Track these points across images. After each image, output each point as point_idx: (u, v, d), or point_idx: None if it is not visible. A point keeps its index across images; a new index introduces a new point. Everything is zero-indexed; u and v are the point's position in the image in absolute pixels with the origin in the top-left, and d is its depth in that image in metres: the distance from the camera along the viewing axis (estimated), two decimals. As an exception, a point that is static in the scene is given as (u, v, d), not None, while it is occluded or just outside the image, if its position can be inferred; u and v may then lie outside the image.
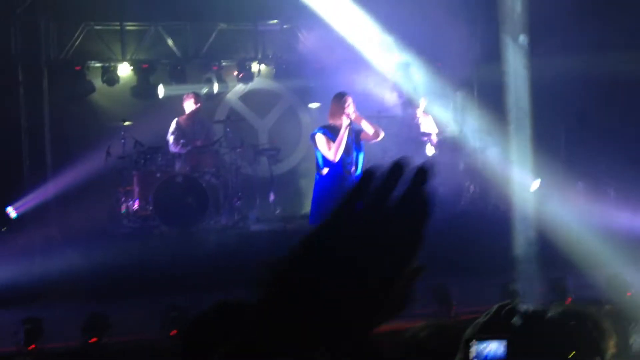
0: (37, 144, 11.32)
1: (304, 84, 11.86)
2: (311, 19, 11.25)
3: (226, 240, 9.35)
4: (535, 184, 11.75)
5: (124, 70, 11.99)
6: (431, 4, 10.43)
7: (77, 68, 11.70)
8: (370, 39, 11.28)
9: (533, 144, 11.49)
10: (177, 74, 12.06)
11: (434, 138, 11.10)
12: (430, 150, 10.94)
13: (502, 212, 10.80)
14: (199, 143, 10.26)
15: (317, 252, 1.12)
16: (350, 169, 7.07)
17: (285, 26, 12.00)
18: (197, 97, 10.78)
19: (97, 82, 11.86)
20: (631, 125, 11.47)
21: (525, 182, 11.57)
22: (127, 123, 10.46)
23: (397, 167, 1.14)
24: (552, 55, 10.85)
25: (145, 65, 11.95)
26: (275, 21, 12.11)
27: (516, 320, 1.75)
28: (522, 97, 11.14)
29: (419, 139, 10.95)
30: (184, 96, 10.83)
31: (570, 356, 1.79)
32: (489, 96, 12.43)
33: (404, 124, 11.28)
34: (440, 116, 11.78)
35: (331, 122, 7.33)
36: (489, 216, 10.41)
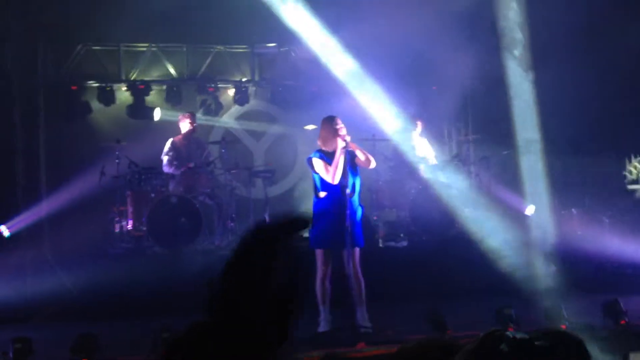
0: (31, 163, 11.29)
1: (300, 107, 11.89)
2: (307, 43, 11.31)
3: (219, 262, 9.24)
4: (530, 209, 11.77)
5: (120, 91, 12.01)
6: (426, 27, 10.50)
7: (73, 88, 11.73)
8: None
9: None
10: (173, 95, 12.09)
11: (429, 162, 11.11)
12: (424, 174, 10.93)
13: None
14: (191, 165, 10.23)
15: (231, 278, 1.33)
16: (348, 192, 7.06)
17: (281, 49, 12.05)
18: (193, 118, 10.79)
19: (93, 102, 11.88)
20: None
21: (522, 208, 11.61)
22: (121, 143, 10.45)
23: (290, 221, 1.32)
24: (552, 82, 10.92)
25: (141, 86, 11.98)
26: (272, 44, 12.16)
27: (503, 347, 1.73)
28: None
29: (414, 162, 10.96)
30: (180, 116, 10.84)
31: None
32: (485, 120, 12.48)
33: (398, 148, 11.29)
34: (434, 140, 11.82)
35: (323, 147, 7.27)
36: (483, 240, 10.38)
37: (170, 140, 10.59)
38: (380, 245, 10.23)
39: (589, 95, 10.95)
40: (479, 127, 12.75)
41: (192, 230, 9.66)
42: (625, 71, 11.05)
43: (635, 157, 11.47)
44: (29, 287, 8.33)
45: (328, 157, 7.16)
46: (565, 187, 12.10)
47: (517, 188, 11.70)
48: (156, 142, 10.77)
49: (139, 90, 11.94)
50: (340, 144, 7.10)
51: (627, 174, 11.50)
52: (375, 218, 10.72)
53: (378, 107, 11.43)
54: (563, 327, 6.96)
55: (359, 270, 7.20)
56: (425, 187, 10.51)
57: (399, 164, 10.92)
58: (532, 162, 11.90)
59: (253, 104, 12.72)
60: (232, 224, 10.37)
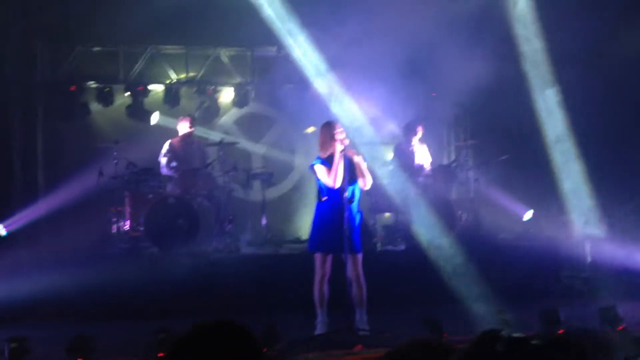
0: (29, 163, 11.28)
1: (299, 110, 11.87)
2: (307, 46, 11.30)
3: (217, 263, 9.30)
4: (528, 214, 11.78)
5: (119, 92, 11.99)
6: (427, 32, 10.49)
7: (72, 89, 11.71)
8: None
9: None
10: (172, 97, 12.07)
11: (428, 166, 11.11)
12: (423, 179, 10.94)
13: (494, 240, 10.82)
14: (188, 169, 10.24)
15: None
16: (346, 196, 7.07)
17: (281, 52, 12.03)
18: (192, 120, 10.78)
19: (92, 103, 11.86)
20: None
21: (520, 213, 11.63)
22: (119, 143, 10.44)
23: None
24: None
25: (140, 87, 11.95)
26: (272, 47, 12.14)
27: (500, 347, 1.72)
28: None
29: (413, 167, 10.96)
30: (179, 118, 10.84)
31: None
32: (484, 125, 12.48)
33: (398, 152, 11.30)
34: (434, 145, 11.83)
35: (322, 154, 7.28)
36: (481, 245, 10.38)
37: (169, 142, 10.60)
38: (379, 249, 10.22)
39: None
40: (478, 133, 12.76)
41: (190, 232, 9.64)
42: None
43: None
44: (25, 287, 8.30)
45: (328, 162, 7.20)
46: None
47: (516, 193, 11.70)
48: (154, 143, 10.77)
49: (138, 91, 11.92)
50: (339, 147, 7.12)
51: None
52: (372, 223, 10.71)
53: (378, 111, 11.43)
54: (560, 332, 6.96)
55: (361, 275, 7.22)
56: (423, 192, 10.51)
57: (398, 169, 10.91)
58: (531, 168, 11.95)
59: (252, 106, 12.70)
60: (229, 226, 10.36)
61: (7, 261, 9.05)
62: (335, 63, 10.99)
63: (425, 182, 10.85)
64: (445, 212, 10.31)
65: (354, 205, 7.19)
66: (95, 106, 11.88)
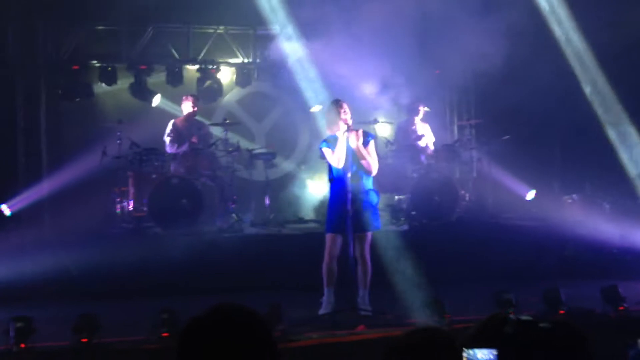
0: (33, 143, 11.27)
1: (302, 89, 11.81)
2: (310, 25, 11.22)
3: (220, 243, 9.33)
4: (531, 194, 11.79)
5: (122, 71, 11.95)
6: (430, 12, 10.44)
7: (75, 68, 11.67)
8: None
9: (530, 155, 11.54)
10: (175, 76, 12.03)
11: (431, 146, 11.11)
12: (426, 158, 10.94)
13: (496, 220, 10.84)
14: (194, 140, 10.25)
15: None
16: (348, 177, 7.08)
17: (284, 31, 11.95)
18: (195, 100, 10.77)
19: (95, 83, 11.82)
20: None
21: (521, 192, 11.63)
22: (122, 123, 10.43)
23: None
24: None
25: (143, 67, 11.91)
26: (274, 26, 12.07)
27: (507, 329, 1.74)
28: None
29: (416, 146, 10.95)
30: (183, 98, 10.82)
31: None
32: (486, 103, 12.44)
33: (401, 131, 11.29)
34: (437, 124, 11.81)
35: (329, 132, 7.33)
36: (484, 225, 10.40)
37: (172, 121, 10.60)
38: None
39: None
40: (481, 112, 12.73)
41: (193, 212, 9.66)
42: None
43: None
44: (29, 266, 8.34)
45: (332, 143, 7.23)
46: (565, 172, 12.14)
47: (518, 173, 11.69)
48: (158, 123, 10.77)
49: (141, 70, 11.88)
50: (342, 127, 7.14)
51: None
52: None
53: (380, 90, 11.38)
54: (561, 312, 6.99)
55: (367, 254, 7.24)
56: (426, 172, 10.51)
57: (401, 148, 10.91)
58: (532, 148, 11.94)
59: (255, 85, 12.67)
60: (233, 206, 10.38)
61: (12, 241, 9.10)
62: (334, 35, 10.89)
63: (427, 162, 10.85)
64: (448, 192, 10.32)
65: (362, 183, 7.20)
66: (98, 86, 11.85)
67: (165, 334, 6.18)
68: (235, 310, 1.95)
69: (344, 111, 7.20)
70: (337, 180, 7.21)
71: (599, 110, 11.67)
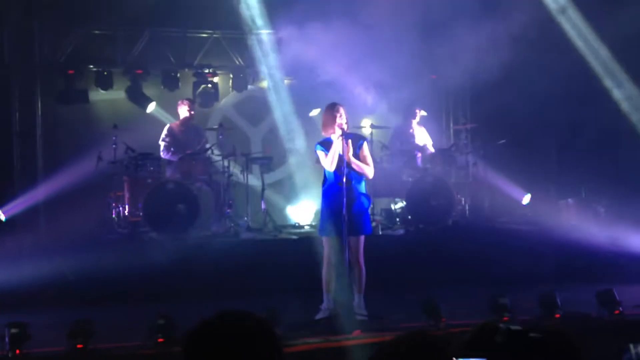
0: (28, 148, 11.24)
1: (298, 93, 11.82)
2: (307, 29, 11.22)
3: (216, 248, 9.32)
4: (526, 198, 11.81)
5: (118, 76, 11.94)
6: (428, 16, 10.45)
7: (70, 72, 11.64)
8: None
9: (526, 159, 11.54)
10: (171, 81, 12.02)
11: (430, 147, 11.11)
12: (422, 162, 10.95)
13: (492, 224, 10.85)
14: (188, 152, 10.23)
15: None
16: (343, 181, 7.07)
17: (280, 35, 11.96)
18: (192, 104, 10.77)
19: (91, 87, 11.80)
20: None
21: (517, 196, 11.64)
22: (118, 127, 10.42)
23: None
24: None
25: (139, 71, 11.90)
26: (270, 30, 12.07)
27: (498, 338, 1.74)
28: None
29: (412, 150, 10.96)
30: (179, 102, 10.81)
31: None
32: (482, 107, 12.45)
33: (398, 135, 11.28)
34: (433, 128, 11.81)
35: (324, 134, 7.33)
36: (479, 229, 10.42)
37: (168, 125, 10.60)
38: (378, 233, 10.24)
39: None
40: (477, 116, 12.75)
41: (189, 217, 9.65)
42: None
43: None
44: (25, 272, 8.32)
45: (326, 146, 7.23)
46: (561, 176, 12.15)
47: (514, 177, 11.71)
48: (153, 128, 10.76)
49: (137, 75, 11.87)
50: (337, 131, 7.14)
51: None
52: (371, 206, 10.71)
53: (377, 94, 11.39)
54: (557, 316, 7.00)
55: (361, 258, 7.22)
56: (422, 176, 10.52)
57: (396, 153, 10.92)
58: (527, 152, 11.94)
59: (251, 90, 12.66)
60: (229, 211, 10.37)
61: (7, 246, 9.07)
62: (329, 39, 10.89)
63: (423, 166, 10.87)
64: (444, 196, 10.32)
65: (357, 187, 7.20)
66: (94, 91, 11.83)
67: (161, 340, 6.18)
68: (243, 315, 1.96)
69: (340, 115, 7.19)
70: (331, 184, 7.20)
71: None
